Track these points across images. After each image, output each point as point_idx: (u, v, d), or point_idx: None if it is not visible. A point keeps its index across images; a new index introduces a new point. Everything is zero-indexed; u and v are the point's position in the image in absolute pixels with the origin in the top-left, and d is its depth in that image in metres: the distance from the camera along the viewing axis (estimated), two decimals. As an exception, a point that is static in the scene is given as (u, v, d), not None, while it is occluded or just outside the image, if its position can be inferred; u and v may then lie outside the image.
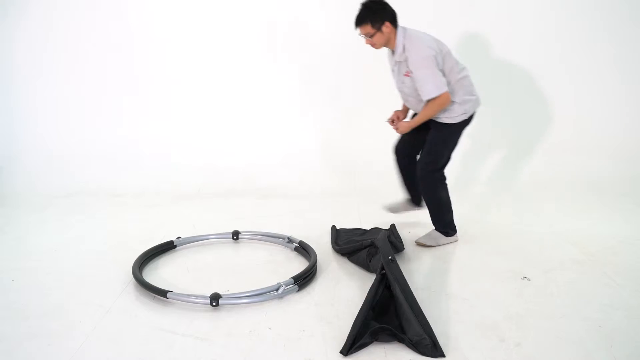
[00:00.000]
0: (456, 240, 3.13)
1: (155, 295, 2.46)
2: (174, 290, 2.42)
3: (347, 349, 2.00)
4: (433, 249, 3.04)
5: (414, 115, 3.06)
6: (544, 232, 3.27)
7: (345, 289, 2.54)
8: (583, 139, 4.48)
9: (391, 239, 2.90)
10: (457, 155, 4.74)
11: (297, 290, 2.49)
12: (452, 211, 3.09)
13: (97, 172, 4.49)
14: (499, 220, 3.52)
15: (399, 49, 2.79)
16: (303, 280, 2.55)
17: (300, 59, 4.49)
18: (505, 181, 4.28)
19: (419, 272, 2.72)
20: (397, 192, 3.46)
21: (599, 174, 4.28)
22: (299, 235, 3.13)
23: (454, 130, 2.95)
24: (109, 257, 3.00)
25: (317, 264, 2.73)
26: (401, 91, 2.98)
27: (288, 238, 3.06)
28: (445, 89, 2.76)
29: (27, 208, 3.95)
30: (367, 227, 3.29)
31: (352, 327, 2.09)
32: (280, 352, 2.03)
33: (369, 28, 2.74)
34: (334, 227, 3.30)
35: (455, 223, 3.12)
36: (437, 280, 2.63)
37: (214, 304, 2.32)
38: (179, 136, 4.59)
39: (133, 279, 2.62)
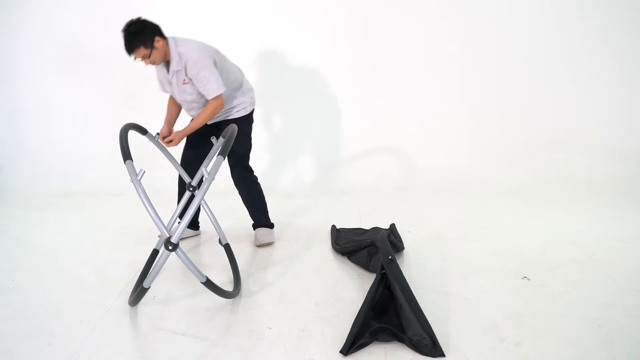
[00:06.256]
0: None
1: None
2: None
3: (347, 349, 2.00)
4: (433, 248, 3.03)
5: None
6: (544, 232, 3.26)
7: (345, 289, 2.54)
8: (583, 139, 4.49)
9: (391, 239, 2.90)
10: (457, 155, 4.71)
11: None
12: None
13: (97, 172, 4.49)
14: (498, 219, 3.52)
15: (175, 58, 2.74)
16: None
17: (300, 59, 4.49)
18: (505, 181, 4.28)
19: (419, 271, 2.72)
20: (396, 192, 3.45)
21: (599, 174, 4.29)
22: (299, 235, 3.13)
23: (249, 122, 3.07)
24: (109, 257, 3.00)
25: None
26: (184, 101, 2.91)
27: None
28: (223, 89, 2.79)
29: (27, 208, 3.95)
30: (367, 227, 3.29)
31: (352, 326, 2.09)
32: (280, 352, 2.03)
33: (143, 50, 2.65)
34: (334, 227, 3.30)
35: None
36: (437, 280, 2.62)
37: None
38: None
39: (135, 281, 2.62)
